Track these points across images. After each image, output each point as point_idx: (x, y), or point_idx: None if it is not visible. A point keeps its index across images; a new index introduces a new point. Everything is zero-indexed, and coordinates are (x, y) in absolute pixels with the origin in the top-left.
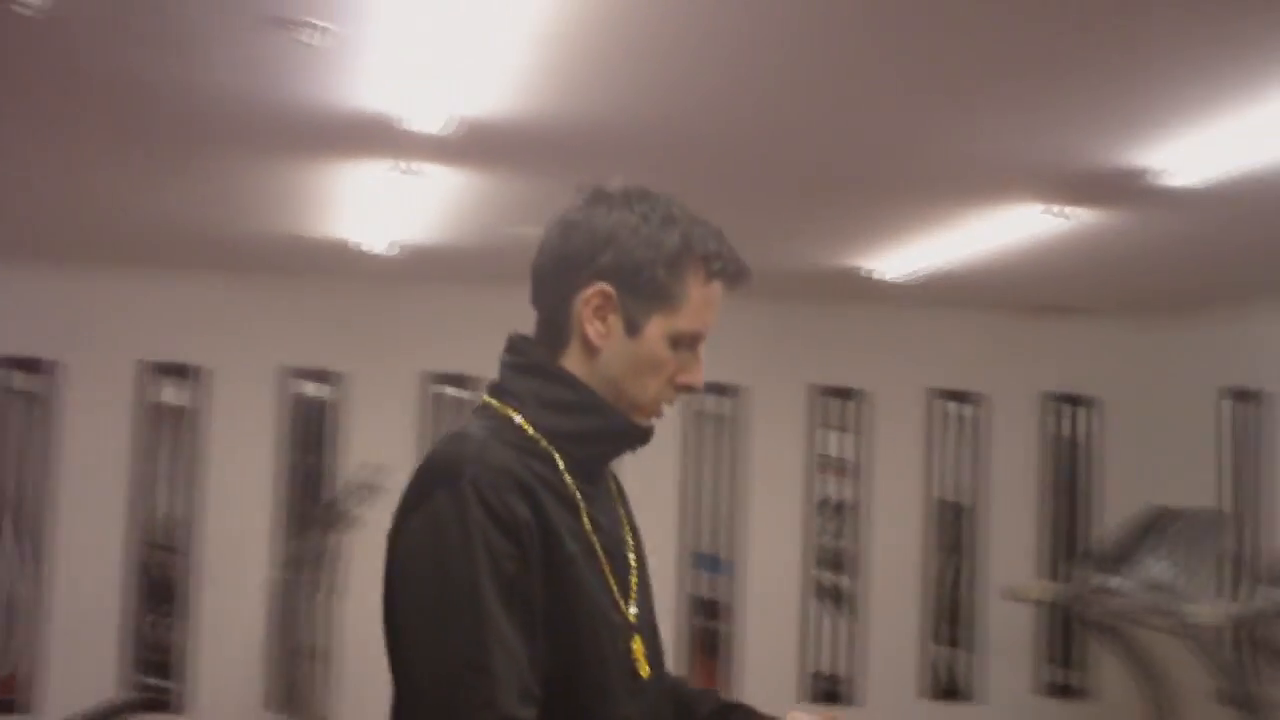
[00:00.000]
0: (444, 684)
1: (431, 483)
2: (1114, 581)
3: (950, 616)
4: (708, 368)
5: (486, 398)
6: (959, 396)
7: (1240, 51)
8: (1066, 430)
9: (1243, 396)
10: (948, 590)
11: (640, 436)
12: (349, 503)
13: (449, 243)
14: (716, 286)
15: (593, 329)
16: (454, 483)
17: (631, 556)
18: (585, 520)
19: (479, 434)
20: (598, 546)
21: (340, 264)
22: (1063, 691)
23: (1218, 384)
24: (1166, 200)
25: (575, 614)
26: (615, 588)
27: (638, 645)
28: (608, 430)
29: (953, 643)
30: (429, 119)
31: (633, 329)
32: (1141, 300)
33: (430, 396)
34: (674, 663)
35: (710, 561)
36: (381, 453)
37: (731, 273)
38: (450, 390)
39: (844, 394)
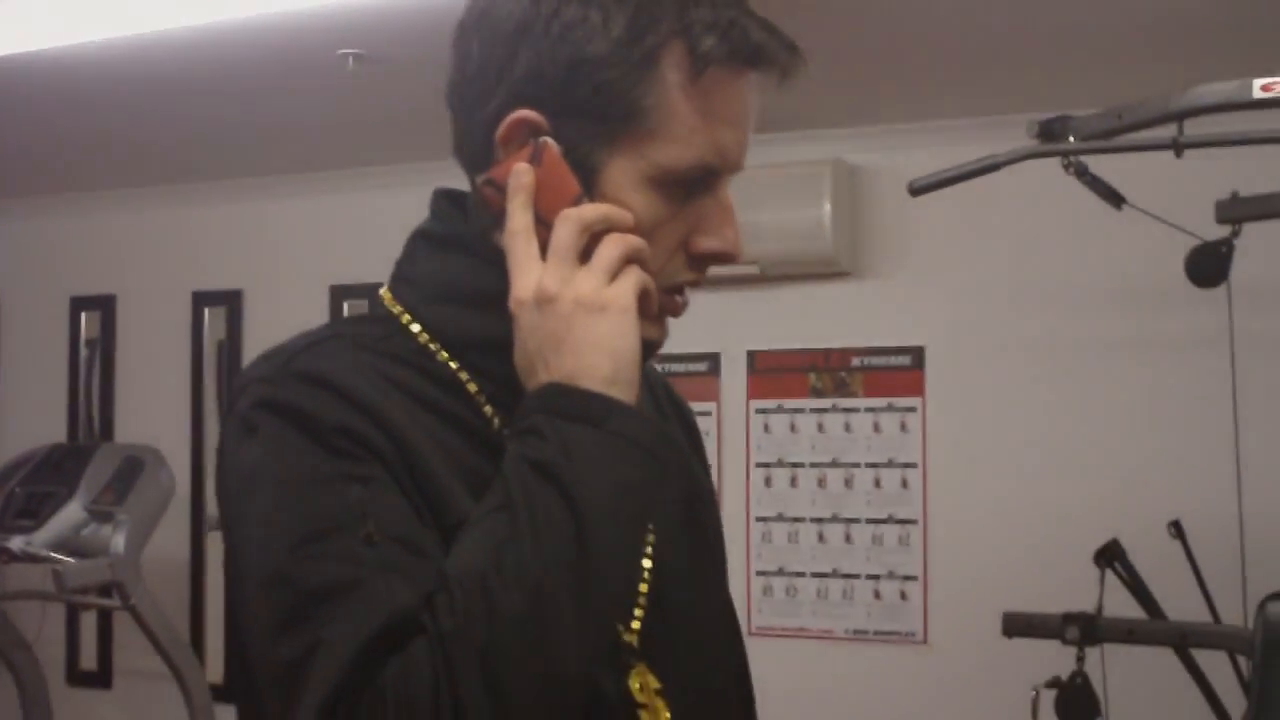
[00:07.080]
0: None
1: (224, 415)
2: None
3: None
4: None
5: (381, 290)
6: None
7: None
8: None
9: None
10: None
11: None
12: None
13: None
14: (724, 77)
15: None
16: (238, 409)
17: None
18: None
19: (314, 336)
20: None
21: None
22: None
23: None
24: None
25: None
26: None
27: (639, 679)
28: None
29: None
30: None
31: (585, 174)
32: None
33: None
34: None
35: None
36: None
37: (747, 50)
38: None
39: None
